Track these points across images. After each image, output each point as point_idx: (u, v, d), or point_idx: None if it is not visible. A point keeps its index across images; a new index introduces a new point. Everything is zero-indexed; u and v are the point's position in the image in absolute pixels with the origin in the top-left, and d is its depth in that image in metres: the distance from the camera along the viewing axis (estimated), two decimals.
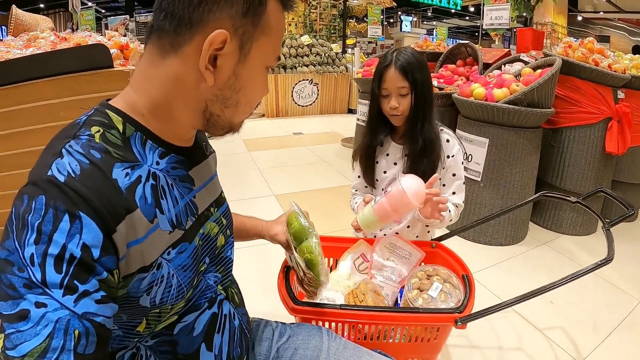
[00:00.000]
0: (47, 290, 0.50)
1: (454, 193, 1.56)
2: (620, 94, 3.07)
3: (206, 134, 0.99)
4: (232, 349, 0.85)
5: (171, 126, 0.71)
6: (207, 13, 0.62)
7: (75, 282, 0.52)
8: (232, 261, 0.93)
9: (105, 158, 0.60)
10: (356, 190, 1.73)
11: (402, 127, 1.55)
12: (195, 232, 0.75)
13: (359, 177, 1.69)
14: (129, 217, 0.59)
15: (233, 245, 0.94)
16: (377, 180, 1.63)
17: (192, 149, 0.79)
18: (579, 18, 16.83)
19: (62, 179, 0.55)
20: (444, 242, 1.51)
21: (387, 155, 1.61)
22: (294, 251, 1.08)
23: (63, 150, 0.58)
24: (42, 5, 15.28)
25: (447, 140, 1.54)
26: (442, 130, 1.55)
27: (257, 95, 0.75)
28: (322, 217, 3.40)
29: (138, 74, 0.70)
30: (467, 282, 1.25)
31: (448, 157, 1.53)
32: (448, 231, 1.64)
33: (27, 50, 2.11)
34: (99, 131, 0.63)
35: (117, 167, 0.60)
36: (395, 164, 1.59)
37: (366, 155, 1.62)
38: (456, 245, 1.46)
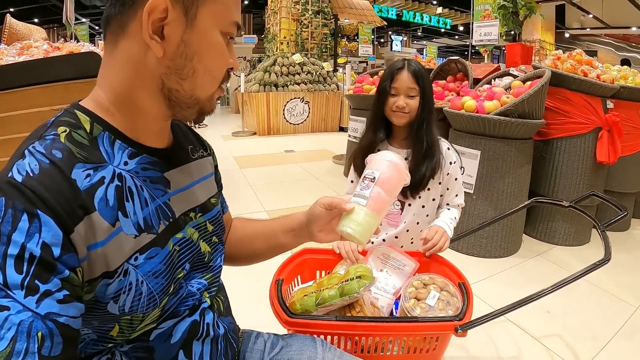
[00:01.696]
0: (9, 292, 0.49)
1: (456, 195, 1.64)
2: (610, 104, 3.11)
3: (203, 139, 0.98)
4: (216, 358, 0.82)
5: (138, 118, 0.69)
6: None
7: (37, 282, 0.51)
8: (221, 268, 0.91)
9: (67, 158, 0.59)
10: (352, 181, 1.72)
11: (402, 131, 1.58)
12: (169, 237, 0.72)
13: (352, 182, 1.68)
14: (87, 218, 0.58)
15: (223, 253, 0.92)
16: None
17: (170, 151, 0.78)
18: (567, 35, 17.20)
19: (20, 179, 0.54)
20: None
21: None
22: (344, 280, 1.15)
23: (26, 151, 0.58)
24: (36, 20, 15.30)
25: (448, 149, 1.61)
26: (440, 139, 1.61)
27: (217, 63, 0.70)
28: None
29: (100, 68, 0.69)
30: (464, 289, 1.23)
31: (450, 163, 1.60)
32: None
33: (19, 57, 2.10)
34: (65, 131, 0.62)
35: (77, 168, 0.59)
36: None
37: (365, 154, 1.57)
38: (449, 258, 1.44)
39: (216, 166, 0.99)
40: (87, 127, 0.65)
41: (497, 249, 3.00)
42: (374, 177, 1.00)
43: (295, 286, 1.41)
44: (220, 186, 1.00)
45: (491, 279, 2.68)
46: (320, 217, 0.96)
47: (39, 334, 0.49)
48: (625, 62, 8.00)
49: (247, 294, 2.25)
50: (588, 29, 16.82)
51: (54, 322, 0.51)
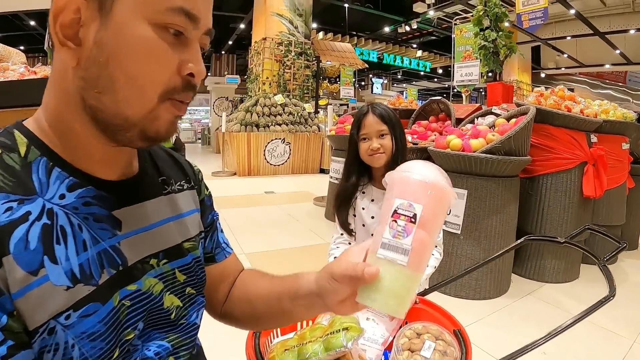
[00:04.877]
0: None
1: None
2: (594, 138, 3.16)
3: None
4: None
5: (76, 143, 0.57)
6: None
7: None
8: (197, 327, 0.73)
9: None
10: (342, 234, 1.70)
11: (381, 171, 1.58)
12: (115, 289, 0.57)
13: (341, 234, 1.69)
14: (5, 260, 0.46)
15: (203, 307, 0.75)
16: (363, 225, 1.64)
17: (126, 184, 0.63)
18: (542, 75, 17.87)
19: None
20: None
21: (372, 200, 1.64)
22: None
23: None
24: (22, 48, 15.49)
25: None
26: None
27: (143, 66, 0.52)
28: None
29: None
30: (460, 337, 1.13)
31: None
32: (426, 287, 1.56)
33: None
34: None
35: None
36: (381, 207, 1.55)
37: (342, 199, 1.66)
38: (437, 301, 1.35)
39: (202, 200, 0.81)
40: (22, 151, 0.54)
41: (487, 290, 2.92)
42: (415, 215, 0.60)
43: (274, 338, 1.29)
44: (208, 225, 0.83)
45: (482, 322, 2.60)
46: (335, 291, 0.66)
47: None
48: None
49: (221, 347, 2.09)
50: (563, 69, 17.58)
51: None
